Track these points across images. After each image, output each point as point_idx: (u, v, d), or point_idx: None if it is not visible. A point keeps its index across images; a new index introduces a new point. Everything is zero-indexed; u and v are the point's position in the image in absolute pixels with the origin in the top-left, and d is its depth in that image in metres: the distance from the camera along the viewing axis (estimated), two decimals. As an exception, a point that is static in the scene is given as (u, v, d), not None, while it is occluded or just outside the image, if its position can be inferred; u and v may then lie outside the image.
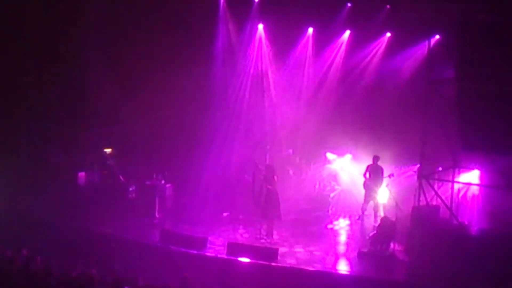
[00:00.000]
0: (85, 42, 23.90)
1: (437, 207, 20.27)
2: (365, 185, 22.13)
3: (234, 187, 23.32)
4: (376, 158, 21.96)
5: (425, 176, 20.13)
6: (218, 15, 25.29)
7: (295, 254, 19.20)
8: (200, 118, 24.74)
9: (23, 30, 22.57)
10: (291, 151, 25.58)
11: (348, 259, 19.09)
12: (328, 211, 23.04)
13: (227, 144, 24.74)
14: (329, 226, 22.03)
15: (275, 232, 20.37)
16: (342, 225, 22.36)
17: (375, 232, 19.66)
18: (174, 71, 23.87)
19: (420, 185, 19.88)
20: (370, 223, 21.83)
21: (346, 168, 24.58)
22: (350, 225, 22.39)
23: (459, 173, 21.43)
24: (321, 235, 21.11)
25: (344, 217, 22.97)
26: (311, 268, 18.14)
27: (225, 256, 18.70)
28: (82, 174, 23.16)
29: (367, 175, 22.05)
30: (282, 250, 19.14)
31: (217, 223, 21.47)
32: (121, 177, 23.13)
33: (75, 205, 21.73)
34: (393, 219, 19.66)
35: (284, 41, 25.20)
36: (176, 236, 19.54)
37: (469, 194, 21.69)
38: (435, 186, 20.61)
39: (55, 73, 23.04)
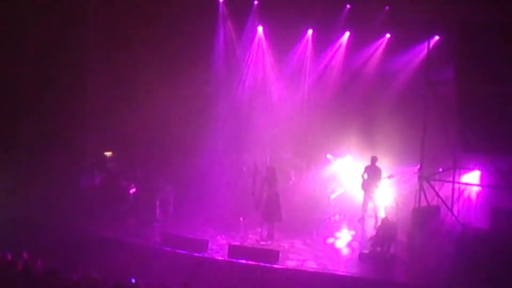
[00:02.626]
0: (85, 45, 23.87)
1: (437, 208, 20.29)
2: (363, 186, 22.14)
3: (235, 189, 23.33)
4: (374, 159, 21.99)
5: (426, 177, 20.15)
6: (218, 18, 25.31)
7: (296, 256, 19.19)
8: (201, 121, 24.73)
9: (23, 32, 22.56)
10: (289, 154, 25.50)
11: (349, 261, 19.09)
12: (330, 216, 22.96)
13: (228, 146, 24.75)
14: (330, 229, 22.07)
15: (276, 234, 20.37)
16: (343, 227, 22.38)
17: (376, 233, 19.68)
18: (174, 74, 23.86)
19: (421, 186, 19.89)
20: (371, 224, 21.86)
21: (347, 170, 24.58)
22: (351, 226, 22.39)
23: (459, 174, 21.45)
24: (322, 237, 21.11)
25: (345, 218, 22.98)
26: (312, 270, 18.15)
27: (226, 259, 18.71)
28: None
29: (365, 176, 22.06)
30: (283, 252, 19.13)
31: (218, 225, 21.47)
32: (121, 180, 23.11)
33: (76, 208, 21.72)
34: (394, 220, 19.68)
35: (283, 43, 25.18)
36: (177, 238, 19.53)
37: (470, 194, 21.69)
38: (436, 187, 20.61)
39: (55, 76, 23.02)
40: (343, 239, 21.17)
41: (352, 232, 21.79)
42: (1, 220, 20.29)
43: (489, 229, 19.52)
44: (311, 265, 18.45)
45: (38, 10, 22.56)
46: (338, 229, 22.11)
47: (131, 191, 22.71)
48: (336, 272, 18.09)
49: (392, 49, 24.49)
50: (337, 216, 23.00)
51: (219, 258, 18.80)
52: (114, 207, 21.94)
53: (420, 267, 18.14)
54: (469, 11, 19.22)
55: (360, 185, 22.22)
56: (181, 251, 18.99)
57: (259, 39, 25.73)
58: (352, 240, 21.00)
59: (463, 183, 21.45)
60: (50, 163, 22.73)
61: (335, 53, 25.61)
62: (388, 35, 24.71)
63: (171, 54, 24.20)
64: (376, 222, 21.40)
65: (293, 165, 25.17)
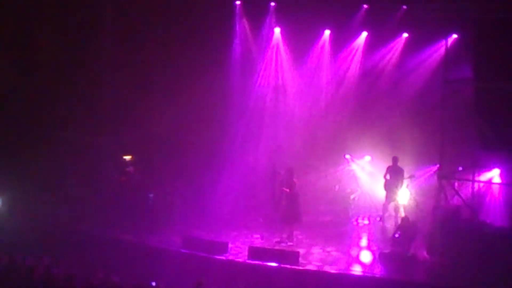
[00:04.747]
0: (102, 48, 23.99)
1: (458, 207, 20.16)
2: (385, 186, 22.08)
3: (254, 192, 23.34)
4: (395, 159, 21.91)
5: (445, 176, 20.06)
6: (234, 20, 25.31)
7: (316, 257, 19.22)
8: (219, 123, 24.76)
9: (40, 37, 22.71)
10: (307, 155, 25.36)
11: (370, 261, 19.07)
12: (354, 219, 22.99)
13: (246, 149, 24.75)
14: (350, 227, 22.06)
15: (296, 235, 20.39)
16: (363, 227, 22.38)
17: (396, 233, 19.62)
18: (192, 77, 23.94)
19: (441, 185, 19.81)
20: (391, 224, 21.82)
21: (366, 170, 24.53)
22: (371, 226, 22.40)
23: (479, 172, 21.31)
24: (342, 237, 21.15)
25: (365, 218, 22.98)
26: (332, 271, 18.15)
27: (246, 260, 18.73)
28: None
29: (387, 176, 22.00)
30: (303, 253, 19.16)
31: (238, 227, 21.53)
32: (141, 184, 23.17)
33: (95, 212, 21.85)
34: (414, 219, 19.62)
35: (301, 44, 25.12)
36: (198, 241, 19.58)
37: (490, 193, 21.56)
38: (456, 186, 20.51)
39: (72, 80, 23.17)
40: (363, 239, 21.17)
41: (372, 232, 21.77)
42: (20, 224, 20.44)
43: (510, 227, 19.40)
44: (331, 266, 18.46)
45: (54, 14, 22.68)
46: (358, 229, 22.12)
47: (151, 194, 22.75)
48: (357, 272, 18.10)
49: (410, 48, 24.39)
50: (360, 220, 22.98)
51: (240, 259, 18.83)
52: (133, 211, 22.01)
53: (441, 267, 18.06)
54: (487, 8, 19.10)
55: (383, 186, 22.18)
56: (202, 254, 19.03)
57: (277, 41, 25.69)
58: (372, 240, 20.98)
59: (483, 182, 21.31)
60: (69, 167, 22.87)
61: (353, 53, 25.54)
62: (405, 35, 24.60)
63: (187, 57, 24.25)
64: (397, 221, 21.33)
65: (312, 166, 25.12)
